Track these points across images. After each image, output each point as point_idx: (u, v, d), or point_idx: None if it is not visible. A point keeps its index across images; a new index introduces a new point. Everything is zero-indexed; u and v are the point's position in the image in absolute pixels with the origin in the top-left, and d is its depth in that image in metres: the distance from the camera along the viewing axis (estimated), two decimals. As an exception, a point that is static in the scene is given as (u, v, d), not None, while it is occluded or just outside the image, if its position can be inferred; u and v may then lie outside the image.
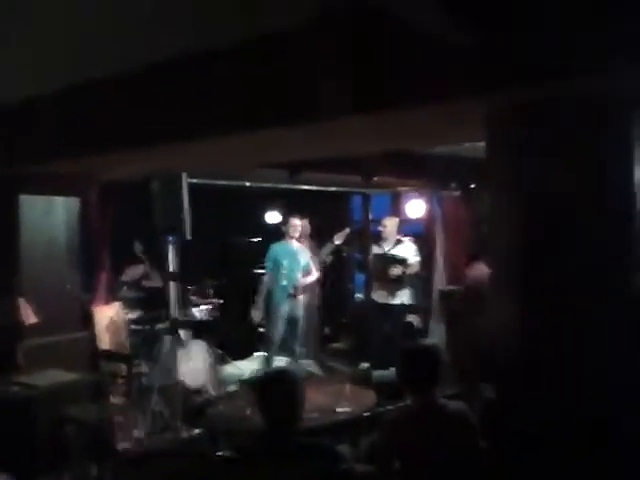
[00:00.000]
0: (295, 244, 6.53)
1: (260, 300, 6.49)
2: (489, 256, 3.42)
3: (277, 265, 6.37)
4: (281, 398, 2.67)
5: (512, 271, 2.69)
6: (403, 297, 6.78)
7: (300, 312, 6.46)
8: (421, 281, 7.47)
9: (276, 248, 6.51)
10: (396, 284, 6.74)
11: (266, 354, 6.43)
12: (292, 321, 6.40)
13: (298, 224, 6.53)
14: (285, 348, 6.45)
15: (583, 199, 2.51)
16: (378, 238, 7.09)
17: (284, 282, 6.33)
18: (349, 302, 7.25)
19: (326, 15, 2.67)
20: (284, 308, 6.34)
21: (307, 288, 6.85)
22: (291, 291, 6.37)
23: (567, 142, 2.52)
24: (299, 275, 6.43)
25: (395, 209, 8.64)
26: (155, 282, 6.04)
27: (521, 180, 2.65)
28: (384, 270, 6.72)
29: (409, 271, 6.73)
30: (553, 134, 2.53)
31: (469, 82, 2.50)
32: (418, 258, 6.91)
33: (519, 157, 2.64)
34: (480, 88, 2.51)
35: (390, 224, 7.00)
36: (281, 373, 2.90)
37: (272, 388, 2.72)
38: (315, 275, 6.68)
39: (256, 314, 6.55)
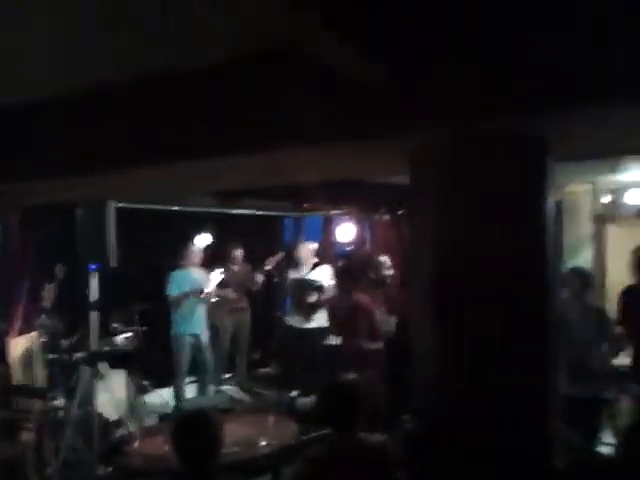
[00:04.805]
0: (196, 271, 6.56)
1: None
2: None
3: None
4: (195, 440, 2.63)
5: (426, 303, 2.77)
6: (320, 320, 6.78)
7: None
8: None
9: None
10: (312, 309, 6.80)
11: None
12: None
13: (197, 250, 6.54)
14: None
15: (499, 235, 2.59)
16: (294, 262, 7.17)
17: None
18: (279, 326, 7.25)
19: (262, 50, 2.71)
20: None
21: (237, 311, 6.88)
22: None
23: (485, 178, 2.61)
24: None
25: (326, 232, 8.73)
26: None
27: (437, 216, 2.72)
28: (302, 295, 6.78)
29: (325, 297, 6.78)
30: (470, 171, 2.62)
31: (391, 121, 2.57)
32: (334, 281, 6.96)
33: (437, 193, 2.71)
34: (401, 127, 2.59)
35: (305, 249, 7.13)
36: (194, 415, 2.86)
37: (185, 431, 2.68)
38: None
39: None
